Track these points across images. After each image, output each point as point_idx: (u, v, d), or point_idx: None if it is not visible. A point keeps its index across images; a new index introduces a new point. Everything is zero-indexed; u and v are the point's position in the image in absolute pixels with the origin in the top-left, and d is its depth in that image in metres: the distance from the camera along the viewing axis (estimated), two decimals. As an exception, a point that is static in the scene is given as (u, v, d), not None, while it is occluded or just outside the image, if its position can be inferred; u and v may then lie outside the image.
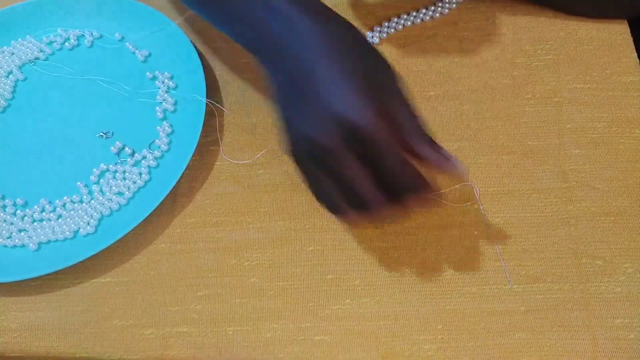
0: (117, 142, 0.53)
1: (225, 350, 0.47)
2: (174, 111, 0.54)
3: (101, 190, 0.52)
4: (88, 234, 0.50)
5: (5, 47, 0.58)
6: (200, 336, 0.47)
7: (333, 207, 0.42)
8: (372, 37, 0.56)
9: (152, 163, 0.52)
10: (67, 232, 0.50)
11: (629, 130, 0.51)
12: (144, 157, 0.53)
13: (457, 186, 0.48)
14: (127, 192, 0.51)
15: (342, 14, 0.57)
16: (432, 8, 0.57)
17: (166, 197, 0.49)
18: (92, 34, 0.58)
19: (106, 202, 0.51)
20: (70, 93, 0.56)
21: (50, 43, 0.58)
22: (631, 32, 0.55)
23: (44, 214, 0.51)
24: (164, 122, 0.53)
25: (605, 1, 0.53)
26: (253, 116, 0.54)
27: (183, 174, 0.50)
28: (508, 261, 0.48)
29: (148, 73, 0.56)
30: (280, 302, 0.48)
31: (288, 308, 0.47)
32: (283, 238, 0.49)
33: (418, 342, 0.46)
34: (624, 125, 0.51)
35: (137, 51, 0.57)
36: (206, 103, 0.52)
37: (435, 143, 0.40)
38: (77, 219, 0.50)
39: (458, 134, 0.52)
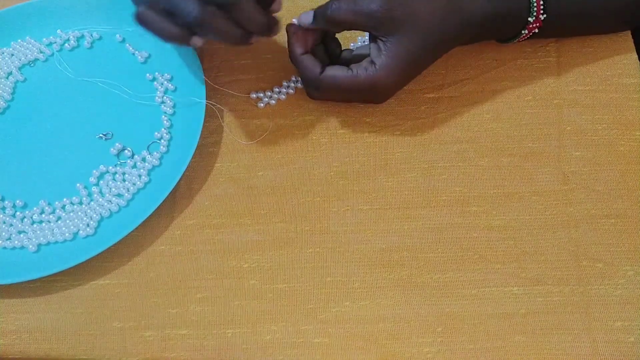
0: (117, 144, 0.53)
1: (224, 352, 0.47)
2: (174, 113, 0.54)
3: (101, 192, 0.51)
4: (87, 236, 0.50)
5: (4, 48, 0.58)
6: (199, 338, 0.47)
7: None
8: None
9: (152, 164, 0.52)
10: (67, 234, 0.50)
11: (629, 132, 0.51)
12: (144, 159, 0.52)
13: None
14: (126, 194, 0.51)
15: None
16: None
17: (165, 198, 0.49)
18: (91, 35, 0.58)
19: (105, 204, 0.51)
20: (69, 94, 0.56)
21: (50, 44, 0.58)
22: (632, 34, 0.54)
23: (43, 215, 0.51)
24: (164, 124, 0.53)
25: (608, 21, 0.53)
26: (253, 116, 0.54)
27: (182, 175, 0.50)
28: (508, 264, 0.48)
29: (148, 74, 0.56)
30: (279, 304, 0.48)
31: (287, 310, 0.47)
32: (282, 240, 0.49)
33: (418, 345, 0.46)
34: (624, 127, 0.51)
35: (136, 52, 0.57)
36: (206, 104, 0.52)
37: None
38: (76, 220, 0.50)
39: (458, 135, 0.52)
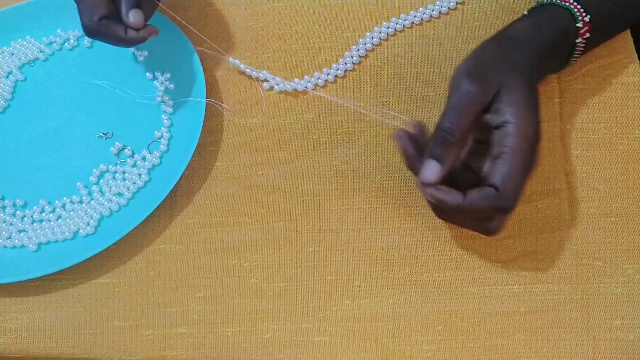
0: (117, 143, 0.53)
1: (224, 351, 0.47)
2: (174, 112, 0.54)
3: (101, 191, 0.52)
4: (88, 235, 0.50)
5: (5, 48, 0.58)
6: (199, 337, 0.47)
7: None
8: (372, 38, 0.56)
9: (152, 163, 0.52)
10: (67, 233, 0.50)
11: (629, 131, 0.51)
12: (144, 158, 0.53)
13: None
14: (126, 193, 0.51)
15: (340, 16, 0.58)
16: (431, 7, 0.57)
17: (166, 197, 0.49)
18: (91, 35, 0.58)
19: (106, 203, 0.51)
20: (69, 94, 0.56)
21: (50, 43, 0.58)
22: (631, 33, 0.54)
23: (43, 214, 0.51)
24: (164, 123, 0.53)
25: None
26: (252, 116, 0.54)
27: (183, 174, 0.50)
28: (508, 262, 0.48)
29: (148, 74, 0.56)
30: (279, 303, 0.48)
31: (287, 309, 0.47)
32: (282, 239, 0.49)
33: (418, 343, 0.46)
34: (624, 126, 0.51)
35: (136, 52, 0.57)
36: (206, 104, 0.52)
37: None
38: (76, 219, 0.50)
39: (458, 134, 0.52)
